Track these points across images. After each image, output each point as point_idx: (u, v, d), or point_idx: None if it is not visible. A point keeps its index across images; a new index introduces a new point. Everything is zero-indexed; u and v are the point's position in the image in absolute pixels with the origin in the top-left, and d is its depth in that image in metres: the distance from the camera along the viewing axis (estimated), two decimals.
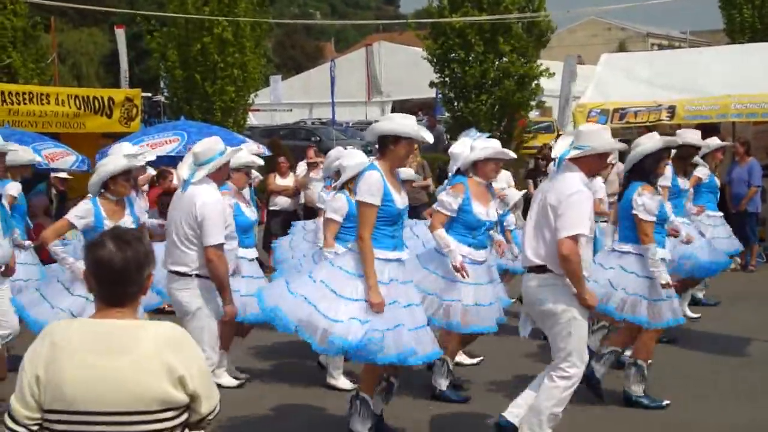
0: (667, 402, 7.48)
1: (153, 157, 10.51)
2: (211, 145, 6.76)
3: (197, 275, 6.62)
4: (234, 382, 8.20)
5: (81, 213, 7.24)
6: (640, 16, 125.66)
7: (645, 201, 7.17)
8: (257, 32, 24.00)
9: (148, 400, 3.06)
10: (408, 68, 39.82)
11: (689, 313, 10.30)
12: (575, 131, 6.50)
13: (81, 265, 6.83)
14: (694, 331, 10.03)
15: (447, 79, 22.92)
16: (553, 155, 6.47)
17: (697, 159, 9.97)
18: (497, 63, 22.20)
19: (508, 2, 22.10)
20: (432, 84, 23.51)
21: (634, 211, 7.23)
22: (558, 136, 17.19)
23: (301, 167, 14.20)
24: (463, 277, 7.17)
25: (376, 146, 6.40)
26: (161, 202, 13.38)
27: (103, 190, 7.30)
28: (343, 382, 8.07)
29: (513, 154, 7.99)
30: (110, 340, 3.09)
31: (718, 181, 10.81)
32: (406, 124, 6.28)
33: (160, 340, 3.11)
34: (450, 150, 7.80)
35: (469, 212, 7.35)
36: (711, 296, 11.62)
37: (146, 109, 27.22)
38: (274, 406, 7.74)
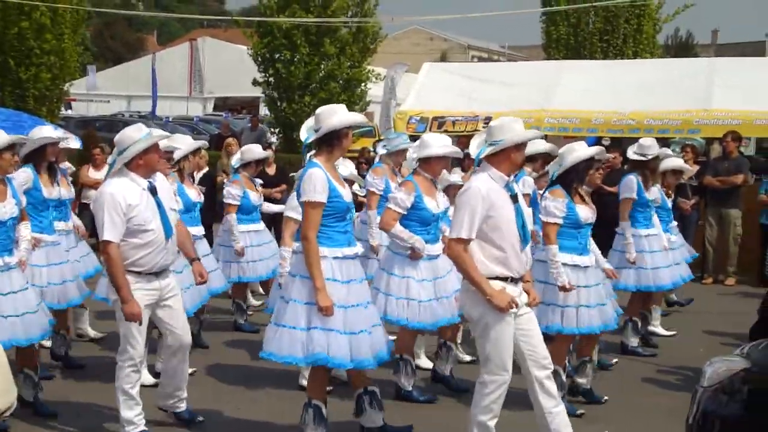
0: None
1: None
2: (130, 132, 6.27)
3: None
4: (151, 380, 7.67)
5: None
6: (461, 28, 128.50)
7: (547, 204, 7.15)
8: (75, 18, 23.29)
9: None
10: (232, 65, 39.41)
11: (662, 331, 10.19)
12: (487, 128, 6.08)
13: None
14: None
15: (272, 78, 22.88)
16: (472, 155, 6.17)
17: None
18: (323, 65, 22.31)
19: (336, 6, 22.25)
20: (255, 82, 23.40)
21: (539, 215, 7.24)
22: (378, 140, 17.44)
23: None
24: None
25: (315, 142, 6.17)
26: None
27: None
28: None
29: (459, 153, 7.86)
30: None
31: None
32: (355, 115, 6.32)
33: None
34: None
35: (422, 208, 7.31)
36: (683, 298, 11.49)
37: None
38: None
